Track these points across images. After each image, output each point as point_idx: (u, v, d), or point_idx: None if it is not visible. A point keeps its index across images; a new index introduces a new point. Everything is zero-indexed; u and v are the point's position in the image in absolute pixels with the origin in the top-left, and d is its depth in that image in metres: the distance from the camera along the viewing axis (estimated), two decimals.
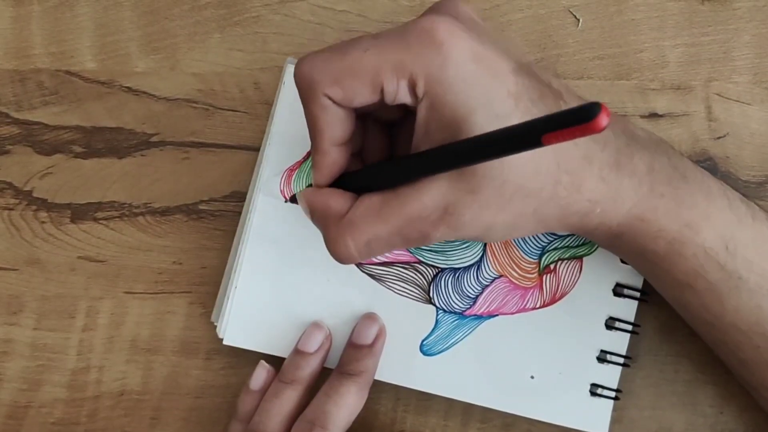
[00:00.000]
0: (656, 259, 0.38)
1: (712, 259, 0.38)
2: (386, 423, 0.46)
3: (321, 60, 0.35)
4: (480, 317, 0.45)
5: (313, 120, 0.36)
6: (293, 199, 0.44)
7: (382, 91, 0.35)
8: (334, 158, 0.37)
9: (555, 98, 0.35)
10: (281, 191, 0.44)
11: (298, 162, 0.44)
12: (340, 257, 0.37)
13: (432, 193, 0.35)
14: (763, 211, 0.40)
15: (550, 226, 0.37)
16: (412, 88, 0.34)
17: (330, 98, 0.35)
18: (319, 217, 0.38)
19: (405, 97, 0.35)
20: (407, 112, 0.38)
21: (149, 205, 0.47)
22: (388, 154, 0.41)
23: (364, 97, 0.35)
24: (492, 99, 0.34)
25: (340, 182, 0.38)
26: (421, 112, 0.35)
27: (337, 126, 0.36)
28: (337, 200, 0.37)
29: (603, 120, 0.26)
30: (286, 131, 0.44)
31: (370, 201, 0.36)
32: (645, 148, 0.38)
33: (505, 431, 0.46)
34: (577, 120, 0.26)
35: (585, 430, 0.44)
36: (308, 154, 0.45)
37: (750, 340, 0.39)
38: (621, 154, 0.37)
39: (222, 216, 0.47)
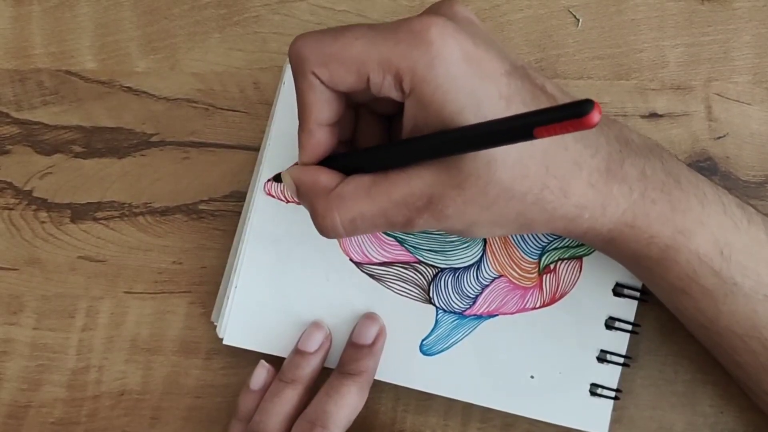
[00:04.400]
0: (650, 264, 0.39)
1: (706, 265, 0.38)
2: (386, 423, 0.46)
3: (313, 39, 0.36)
4: (480, 317, 0.45)
5: (301, 97, 0.37)
6: (277, 178, 0.43)
7: (368, 81, 0.35)
8: (319, 138, 0.37)
9: (548, 102, 0.36)
10: (281, 191, 0.44)
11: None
12: (326, 230, 0.37)
13: (420, 181, 0.35)
14: (760, 215, 0.40)
15: (535, 228, 0.37)
16: (399, 83, 0.34)
17: (318, 78, 0.36)
18: (306, 192, 0.38)
19: (391, 91, 0.35)
20: (402, 106, 0.38)
21: (149, 204, 0.47)
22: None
23: (349, 83, 0.35)
24: (481, 100, 0.34)
25: (327, 164, 0.38)
26: (409, 109, 0.35)
27: (323, 106, 0.36)
28: (325, 176, 0.37)
29: (595, 116, 0.26)
30: (286, 131, 0.44)
31: (361, 180, 0.36)
32: (638, 154, 0.38)
33: (505, 431, 0.46)
34: (569, 115, 0.27)
35: (585, 429, 0.44)
36: None
37: (746, 344, 0.39)
38: (612, 161, 0.37)
39: (222, 216, 0.47)
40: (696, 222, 0.38)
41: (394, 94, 0.35)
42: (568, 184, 0.35)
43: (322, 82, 0.36)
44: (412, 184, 0.35)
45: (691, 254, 0.38)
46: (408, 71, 0.34)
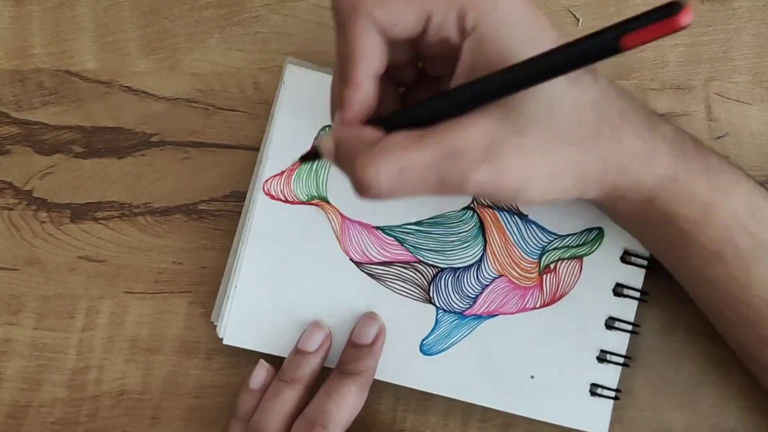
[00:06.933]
0: (687, 225, 0.38)
1: (741, 225, 0.38)
2: (386, 422, 0.46)
3: None
4: (480, 317, 0.45)
5: (350, 45, 0.33)
6: (306, 158, 0.39)
7: (427, 22, 0.34)
8: (367, 92, 0.34)
9: None
10: (281, 191, 0.44)
11: (297, 162, 0.44)
12: (367, 185, 0.33)
13: (477, 129, 0.33)
14: None
15: (588, 185, 0.36)
16: (461, 21, 0.33)
17: (373, 21, 0.33)
18: (346, 149, 0.34)
19: (450, 31, 0.34)
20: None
21: (149, 205, 0.47)
22: None
23: (408, 24, 0.34)
24: (543, 38, 0.33)
25: None
26: (467, 50, 0.34)
27: (375, 54, 0.34)
28: (370, 131, 0.34)
29: (686, 15, 0.25)
30: (286, 131, 0.44)
31: (409, 132, 0.33)
32: (667, 120, 0.39)
33: (505, 431, 0.46)
34: (660, 16, 0.26)
35: (585, 430, 0.44)
36: None
37: None
38: (651, 120, 0.37)
39: (222, 216, 0.47)
40: (729, 182, 0.38)
41: (453, 35, 0.34)
42: (619, 132, 0.36)
43: (375, 27, 0.33)
44: (468, 132, 0.33)
45: (728, 213, 0.38)
46: (472, 6, 0.33)
